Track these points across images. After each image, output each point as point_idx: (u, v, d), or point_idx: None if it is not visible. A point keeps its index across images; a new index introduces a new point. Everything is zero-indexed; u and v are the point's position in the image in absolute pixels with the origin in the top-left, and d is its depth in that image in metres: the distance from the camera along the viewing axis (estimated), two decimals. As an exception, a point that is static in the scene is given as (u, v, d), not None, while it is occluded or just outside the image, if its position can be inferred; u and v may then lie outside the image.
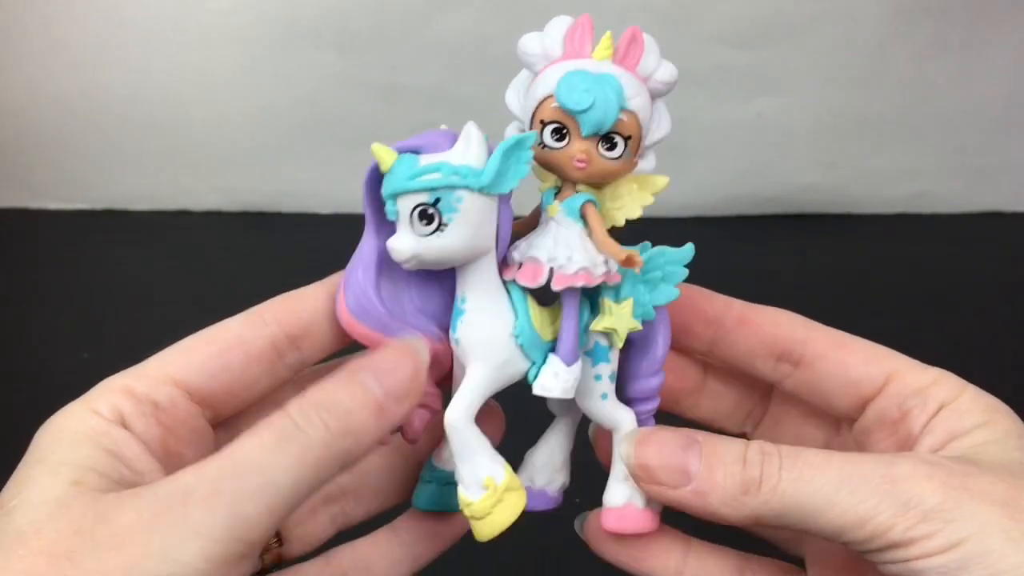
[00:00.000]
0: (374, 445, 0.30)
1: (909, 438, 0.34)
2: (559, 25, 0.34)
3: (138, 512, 0.27)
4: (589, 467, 0.38)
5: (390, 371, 0.30)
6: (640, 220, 0.35)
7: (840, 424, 0.38)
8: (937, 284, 0.81)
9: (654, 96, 0.34)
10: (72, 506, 0.27)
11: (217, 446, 0.32)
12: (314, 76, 0.92)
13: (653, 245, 0.35)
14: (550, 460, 0.37)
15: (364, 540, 0.38)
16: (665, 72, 0.34)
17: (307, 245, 0.87)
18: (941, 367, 0.35)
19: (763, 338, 0.37)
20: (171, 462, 0.32)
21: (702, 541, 0.38)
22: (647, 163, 0.35)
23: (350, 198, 1.00)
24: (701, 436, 0.33)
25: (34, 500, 0.28)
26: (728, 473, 0.31)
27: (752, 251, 0.89)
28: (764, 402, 0.40)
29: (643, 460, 0.33)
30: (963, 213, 1.00)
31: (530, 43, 0.35)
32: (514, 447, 0.36)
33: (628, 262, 0.32)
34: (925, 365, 0.35)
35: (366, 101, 0.94)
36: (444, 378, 0.34)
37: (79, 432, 0.30)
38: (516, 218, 0.34)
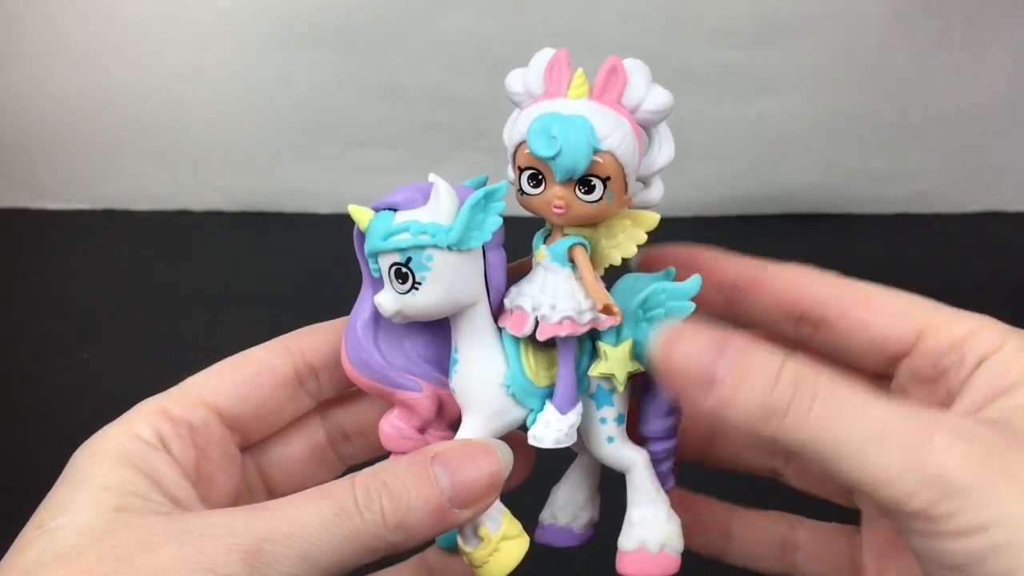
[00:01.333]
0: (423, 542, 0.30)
1: (948, 396, 0.31)
2: (541, 61, 0.33)
3: (180, 547, 0.27)
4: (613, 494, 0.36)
5: (465, 471, 0.30)
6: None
7: (877, 380, 0.34)
8: (937, 284, 0.78)
9: (647, 125, 0.33)
10: (116, 532, 0.28)
11: (244, 471, 0.34)
12: (314, 76, 0.92)
13: (673, 275, 0.34)
14: (572, 498, 0.37)
15: (392, 569, 0.38)
16: (655, 100, 0.32)
17: (307, 244, 0.89)
18: None
19: (778, 300, 0.35)
20: (203, 484, 0.32)
21: (747, 509, 0.37)
22: (653, 191, 0.34)
23: (350, 198, 1.00)
24: (738, 341, 0.29)
25: (77, 523, 0.28)
26: (756, 392, 0.28)
27: (752, 251, 0.87)
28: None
29: (668, 358, 0.30)
30: (963, 213, 1.00)
31: (514, 82, 0.33)
32: (542, 482, 0.36)
33: (605, 310, 0.32)
34: (960, 312, 0.33)
35: (366, 101, 0.94)
36: (455, 421, 0.35)
37: (120, 455, 0.31)
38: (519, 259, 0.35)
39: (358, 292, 0.34)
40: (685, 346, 0.29)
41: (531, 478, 0.37)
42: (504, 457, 0.32)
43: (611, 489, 0.37)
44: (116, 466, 0.30)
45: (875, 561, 0.35)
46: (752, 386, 0.28)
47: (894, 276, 0.82)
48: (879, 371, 0.34)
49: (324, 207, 0.99)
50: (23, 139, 0.96)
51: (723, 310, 0.36)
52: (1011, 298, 0.79)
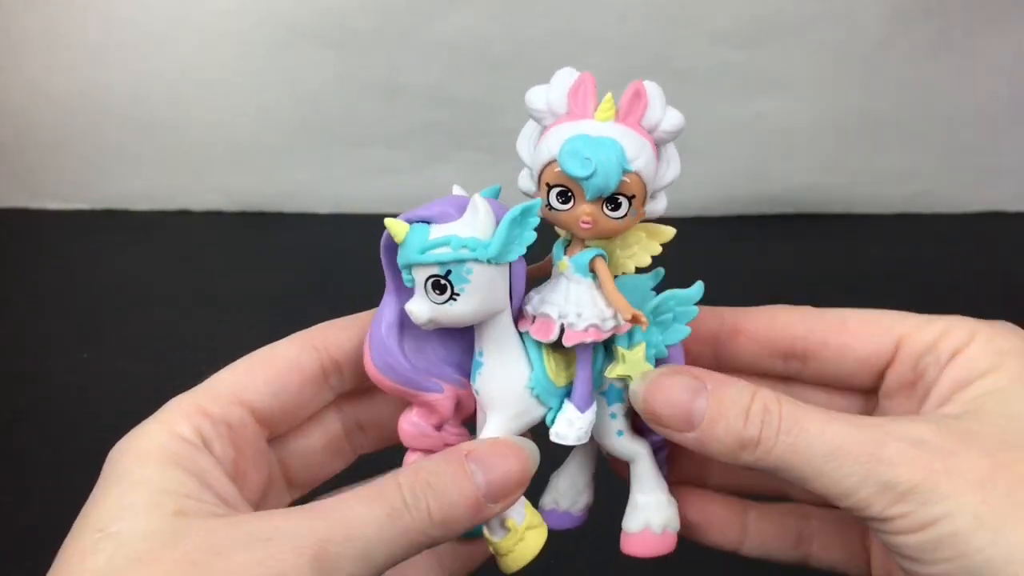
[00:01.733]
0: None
1: (926, 395, 0.34)
2: (563, 80, 0.35)
3: (251, 552, 0.28)
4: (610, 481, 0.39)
5: (497, 467, 0.32)
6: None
7: (870, 393, 0.38)
8: (937, 284, 0.80)
9: (661, 144, 0.35)
10: (184, 537, 0.28)
11: (270, 465, 0.35)
12: (314, 76, 0.92)
13: (662, 276, 0.37)
14: (573, 483, 0.39)
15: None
16: (671, 121, 0.35)
17: (307, 244, 0.89)
18: None
19: (761, 343, 0.38)
20: (240, 482, 0.33)
21: (760, 504, 0.39)
22: (658, 204, 0.36)
23: (350, 198, 1.00)
24: (712, 382, 0.33)
25: (142, 528, 0.29)
26: (729, 429, 0.32)
27: (752, 251, 0.89)
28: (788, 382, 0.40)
29: (651, 406, 0.34)
30: (963, 213, 1.00)
31: (536, 99, 0.35)
32: (541, 469, 0.37)
33: (634, 320, 0.34)
34: (933, 317, 0.36)
35: (366, 101, 0.93)
36: (469, 418, 0.37)
37: (166, 456, 0.31)
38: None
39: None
40: (664, 394, 0.33)
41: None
42: (532, 454, 0.34)
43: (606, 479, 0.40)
44: (166, 468, 0.30)
45: (882, 547, 0.37)
46: (727, 423, 0.32)
47: (894, 276, 0.84)
48: (870, 386, 0.37)
49: (324, 207, 0.99)
50: (23, 139, 0.96)
51: (713, 361, 0.39)
52: (1011, 298, 0.79)
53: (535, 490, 0.39)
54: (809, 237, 0.94)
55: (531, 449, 0.34)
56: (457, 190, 0.35)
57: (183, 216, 0.98)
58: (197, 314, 0.71)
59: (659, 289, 0.37)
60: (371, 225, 0.86)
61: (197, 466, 0.31)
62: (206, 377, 0.35)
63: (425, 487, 0.30)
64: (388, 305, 0.35)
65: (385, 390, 0.35)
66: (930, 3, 0.89)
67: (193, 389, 0.35)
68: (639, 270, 0.36)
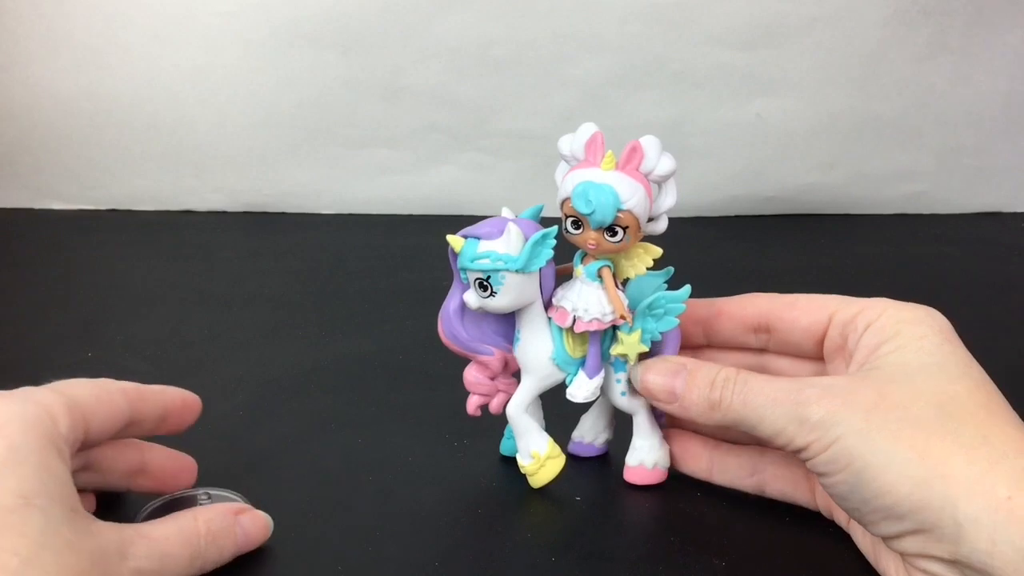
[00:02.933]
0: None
1: (851, 358, 0.44)
2: (585, 133, 0.45)
3: (91, 552, 0.35)
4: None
5: (250, 532, 0.43)
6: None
7: (818, 360, 0.49)
8: (935, 284, 0.81)
9: (658, 183, 0.45)
10: (90, 535, 0.35)
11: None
12: (316, 77, 0.93)
13: (672, 274, 0.48)
14: (595, 424, 0.53)
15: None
16: (663, 167, 0.45)
17: (310, 245, 0.90)
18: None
19: (739, 322, 0.50)
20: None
21: (726, 443, 0.50)
22: (659, 224, 0.46)
23: (352, 198, 1.00)
24: (690, 364, 0.46)
25: (59, 515, 0.35)
26: (700, 395, 0.45)
27: (751, 251, 0.90)
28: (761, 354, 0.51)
29: (645, 384, 0.47)
30: (961, 213, 1.00)
31: (564, 145, 0.46)
32: (572, 411, 0.51)
33: (621, 317, 0.46)
34: (858, 299, 0.46)
35: (368, 102, 0.94)
36: (518, 372, 0.49)
37: (58, 450, 0.36)
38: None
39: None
40: (653, 375, 0.47)
41: (566, 412, 0.51)
42: (270, 527, 0.45)
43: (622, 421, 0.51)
44: (61, 461, 0.36)
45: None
46: (698, 391, 0.45)
47: (893, 276, 0.84)
48: (815, 351, 0.48)
49: (326, 207, 1.00)
50: (28, 140, 0.96)
51: (704, 339, 0.51)
52: (1010, 298, 0.79)
53: (567, 428, 0.53)
54: (808, 237, 0.95)
55: (270, 524, 0.44)
56: (506, 212, 0.47)
57: (187, 216, 0.99)
58: (200, 314, 0.72)
59: (670, 283, 0.48)
60: (373, 225, 0.86)
61: (67, 466, 0.37)
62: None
63: (211, 539, 0.41)
64: (455, 294, 0.47)
65: (453, 352, 0.48)
66: (928, 5, 0.90)
67: (56, 389, 0.39)
68: (650, 269, 0.48)
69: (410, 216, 0.99)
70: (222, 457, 0.51)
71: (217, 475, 0.49)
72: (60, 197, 1.00)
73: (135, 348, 0.67)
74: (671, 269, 0.48)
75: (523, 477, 0.49)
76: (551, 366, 0.48)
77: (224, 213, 1.00)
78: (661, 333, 0.48)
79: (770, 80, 0.92)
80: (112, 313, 0.73)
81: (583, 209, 0.44)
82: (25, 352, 0.66)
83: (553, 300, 0.48)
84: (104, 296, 0.77)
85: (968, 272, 0.85)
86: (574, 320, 0.46)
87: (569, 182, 0.45)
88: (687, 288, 0.47)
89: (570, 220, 0.45)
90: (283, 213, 1.00)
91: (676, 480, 0.51)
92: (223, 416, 0.56)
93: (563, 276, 0.48)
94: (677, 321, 0.47)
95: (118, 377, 0.43)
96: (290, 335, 0.70)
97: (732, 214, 1.00)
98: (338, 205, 1.00)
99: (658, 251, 0.47)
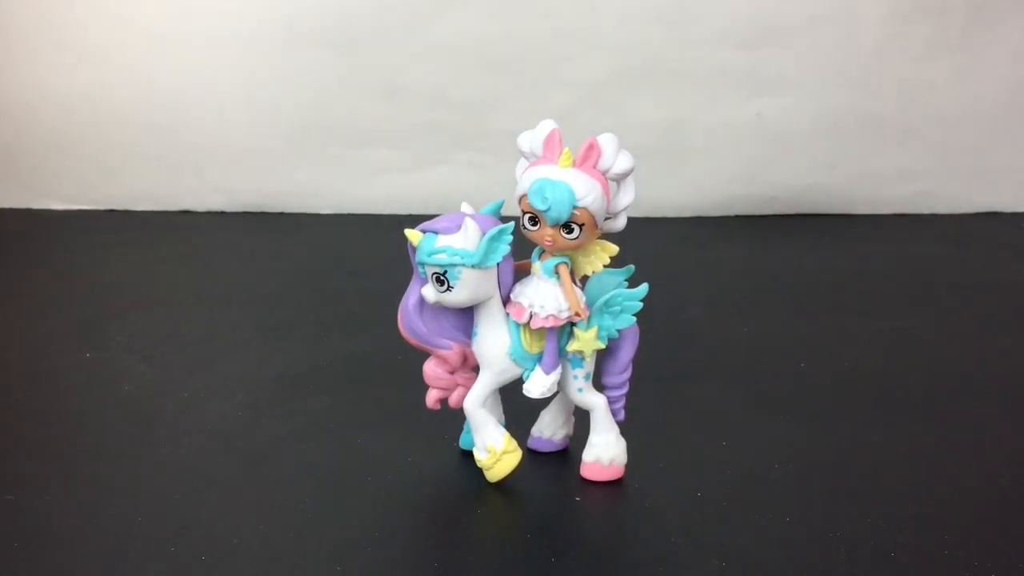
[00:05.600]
0: None
1: None
2: (544, 130, 0.45)
3: None
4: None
5: None
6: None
7: None
8: (936, 284, 0.80)
9: (617, 180, 0.45)
10: None
11: None
12: (315, 77, 0.93)
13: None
14: (554, 419, 0.53)
15: None
16: (621, 164, 0.45)
17: (309, 244, 0.90)
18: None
19: None
20: None
21: None
22: (618, 222, 0.47)
23: (351, 198, 1.00)
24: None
25: None
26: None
27: (751, 251, 0.89)
28: None
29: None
30: (962, 213, 1.00)
31: (523, 141, 0.46)
32: (532, 407, 0.51)
33: (576, 314, 0.46)
34: None
35: (366, 101, 0.94)
36: (477, 367, 0.49)
37: None
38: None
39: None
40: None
41: (524, 407, 0.51)
42: None
43: (581, 415, 0.50)
44: None
45: None
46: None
47: (893, 276, 0.82)
48: None
49: (325, 207, 1.00)
50: (27, 140, 0.96)
51: None
52: (1010, 298, 0.78)
53: (527, 423, 0.53)
54: (809, 237, 0.94)
55: None
56: (465, 207, 0.46)
57: (185, 216, 0.98)
58: (199, 314, 0.71)
59: (631, 282, 0.48)
60: (372, 225, 0.86)
61: None
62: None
63: None
64: (414, 288, 0.47)
65: (413, 346, 0.48)
66: (927, 4, 0.89)
67: None
68: (609, 267, 0.48)
69: (409, 216, 0.98)
70: (221, 458, 0.50)
71: (216, 477, 0.48)
72: (59, 197, 1.00)
73: (133, 348, 0.66)
74: (631, 267, 0.48)
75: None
76: (508, 361, 0.48)
77: (223, 213, 0.99)
78: (618, 331, 0.48)
79: (770, 79, 0.92)
80: (110, 313, 0.73)
81: (539, 205, 0.44)
82: (24, 352, 0.66)
83: (511, 296, 0.47)
84: (102, 296, 0.77)
85: (968, 272, 0.85)
86: (531, 316, 0.46)
87: (527, 178, 0.45)
88: (644, 286, 0.47)
89: (527, 216, 0.45)
90: (282, 213, 1.00)
91: (677, 480, 0.50)
92: (222, 416, 0.56)
93: (522, 272, 0.48)
94: (634, 319, 0.48)
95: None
96: (289, 335, 0.69)
97: (732, 214, 0.99)
98: (337, 205, 1.00)
99: (614, 248, 0.47)
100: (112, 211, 0.99)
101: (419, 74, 0.92)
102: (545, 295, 0.46)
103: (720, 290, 0.75)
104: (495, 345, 0.48)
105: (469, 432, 0.51)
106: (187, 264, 0.85)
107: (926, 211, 1.00)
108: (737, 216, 0.99)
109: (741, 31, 0.89)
